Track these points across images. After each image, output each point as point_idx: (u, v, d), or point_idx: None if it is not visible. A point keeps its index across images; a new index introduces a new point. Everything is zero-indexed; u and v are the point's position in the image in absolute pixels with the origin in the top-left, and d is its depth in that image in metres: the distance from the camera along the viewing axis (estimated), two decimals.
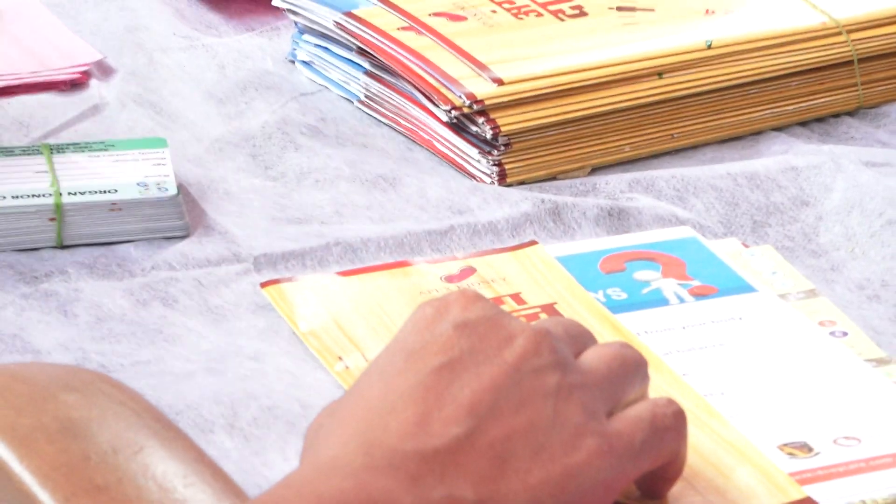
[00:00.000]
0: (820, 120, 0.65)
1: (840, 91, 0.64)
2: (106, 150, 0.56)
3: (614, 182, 0.59)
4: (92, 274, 0.53)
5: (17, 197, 0.53)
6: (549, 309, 0.48)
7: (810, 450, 0.41)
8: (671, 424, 0.40)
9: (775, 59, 0.62)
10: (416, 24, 0.62)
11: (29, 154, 0.56)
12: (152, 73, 0.67)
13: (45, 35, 0.69)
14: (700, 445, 0.40)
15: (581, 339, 0.42)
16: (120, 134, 0.63)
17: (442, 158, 0.61)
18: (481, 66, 0.58)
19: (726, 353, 0.46)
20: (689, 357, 0.45)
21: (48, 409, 0.41)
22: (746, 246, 0.54)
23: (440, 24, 0.62)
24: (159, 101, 0.65)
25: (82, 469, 0.38)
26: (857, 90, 0.64)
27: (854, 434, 0.41)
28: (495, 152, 0.57)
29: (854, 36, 0.63)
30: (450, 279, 0.50)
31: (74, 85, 0.66)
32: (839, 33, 0.62)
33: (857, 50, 0.62)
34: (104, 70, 0.68)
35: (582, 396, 0.38)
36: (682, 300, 0.49)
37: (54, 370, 0.46)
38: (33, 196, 0.53)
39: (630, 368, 0.41)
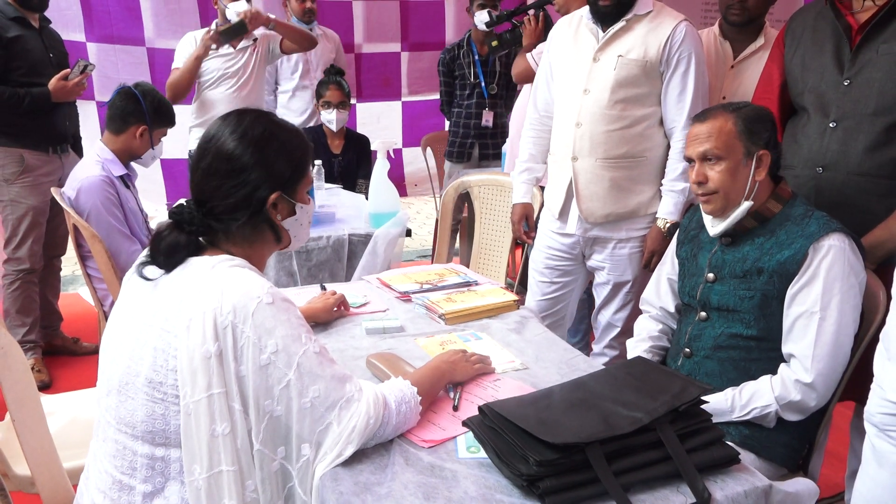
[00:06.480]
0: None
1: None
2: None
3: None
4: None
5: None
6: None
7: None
8: (479, 360, 2.46)
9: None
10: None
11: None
12: None
13: None
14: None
15: (465, 352, 2.45)
16: None
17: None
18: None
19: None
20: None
21: (389, 357, 2.60)
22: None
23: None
24: None
25: (397, 363, 2.45)
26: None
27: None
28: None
29: None
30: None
31: None
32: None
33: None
34: None
35: (467, 359, 2.41)
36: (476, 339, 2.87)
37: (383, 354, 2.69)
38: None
39: (468, 354, 2.44)
